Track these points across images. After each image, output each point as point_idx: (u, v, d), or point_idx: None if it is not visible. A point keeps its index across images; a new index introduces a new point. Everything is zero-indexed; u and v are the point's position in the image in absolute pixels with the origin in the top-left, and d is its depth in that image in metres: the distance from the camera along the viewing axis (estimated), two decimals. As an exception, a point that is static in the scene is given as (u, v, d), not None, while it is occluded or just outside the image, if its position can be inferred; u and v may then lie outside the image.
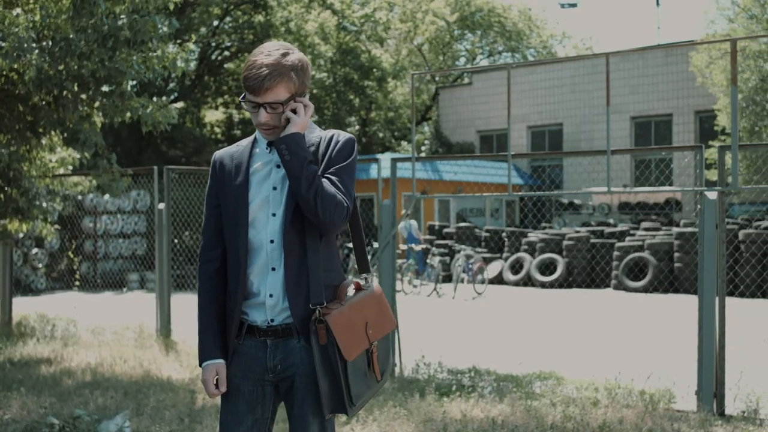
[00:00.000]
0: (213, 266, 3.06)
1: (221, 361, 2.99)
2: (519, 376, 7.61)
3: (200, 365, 3.01)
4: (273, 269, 2.94)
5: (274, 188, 2.97)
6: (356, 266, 3.07)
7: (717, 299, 6.61)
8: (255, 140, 3.09)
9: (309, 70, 3.00)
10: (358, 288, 3.08)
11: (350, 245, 15.95)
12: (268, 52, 2.90)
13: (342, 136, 3.01)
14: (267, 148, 3.02)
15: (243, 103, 2.98)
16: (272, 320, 2.96)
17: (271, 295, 2.94)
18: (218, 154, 3.13)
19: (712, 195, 6.70)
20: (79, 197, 18.79)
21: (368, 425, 5.91)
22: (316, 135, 3.02)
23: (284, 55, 2.91)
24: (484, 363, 8.18)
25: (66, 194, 13.25)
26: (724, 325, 6.63)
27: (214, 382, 2.98)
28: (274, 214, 2.95)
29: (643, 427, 5.82)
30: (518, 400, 6.66)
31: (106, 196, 19.70)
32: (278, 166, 2.98)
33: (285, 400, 3.03)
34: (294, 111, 2.95)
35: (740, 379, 6.72)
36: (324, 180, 2.88)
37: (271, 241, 2.94)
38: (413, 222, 21.12)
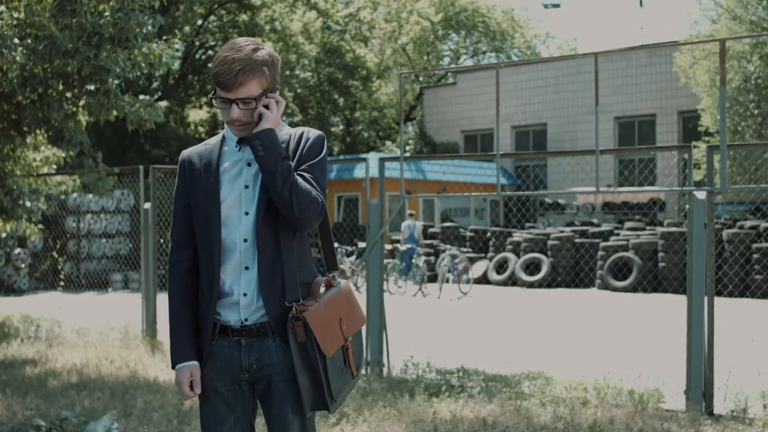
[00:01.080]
0: (183, 267, 3.02)
1: (195, 362, 2.95)
2: (507, 376, 7.60)
3: (173, 368, 2.97)
4: (246, 268, 2.91)
5: (246, 186, 2.93)
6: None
7: (706, 299, 6.62)
8: (223, 138, 3.04)
9: (279, 65, 2.98)
10: (329, 285, 3.06)
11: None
12: (238, 48, 2.86)
13: (312, 132, 2.99)
14: (236, 146, 2.98)
15: (213, 100, 2.94)
16: (246, 320, 2.93)
17: (245, 294, 2.91)
18: (186, 153, 3.08)
19: (700, 195, 6.71)
20: (63, 197, 18.68)
21: (358, 426, 5.88)
22: (286, 132, 3.00)
23: (255, 50, 2.87)
24: (471, 363, 8.16)
25: (49, 194, 13.15)
26: (713, 324, 6.64)
27: (189, 384, 2.94)
28: (246, 213, 2.91)
29: (633, 427, 5.81)
30: (508, 401, 6.65)
31: (90, 196, 19.60)
32: (249, 164, 2.95)
33: (262, 401, 3.00)
34: (266, 107, 2.92)
35: (729, 379, 6.73)
36: (297, 176, 2.85)
37: (245, 240, 2.91)
38: (418, 223, 21.12)
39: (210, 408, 2.99)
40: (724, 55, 6.58)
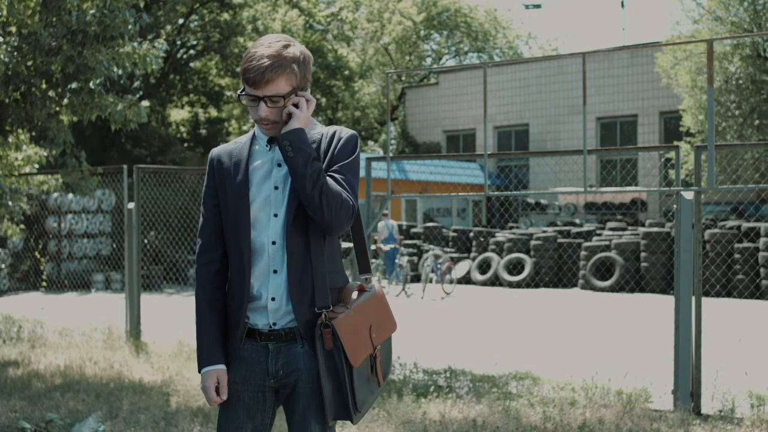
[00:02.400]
0: (213, 267, 2.94)
1: (222, 366, 2.88)
2: (495, 376, 7.59)
3: (199, 371, 2.90)
4: (275, 272, 2.84)
5: (276, 188, 2.85)
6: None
7: (693, 298, 6.63)
8: (254, 137, 2.97)
9: (311, 64, 2.90)
10: (361, 290, 2.98)
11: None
12: (269, 44, 2.79)
13: (345, 132, 2.90)
14: (267, 146, 2.91)
15: (241, 98, 2.85)
16: (274, 324, 2.85)
17: (273, 299, 2.84)
18: (215, 151, 3.00)
19: (688, 195, 6.72)
20: (44, 196, 18.52)
21: (347, 427, 5.85)
22: (318, 131, 2.91)
23: (285, 46, 2.79)
24: (457, 363, 8.14)
25: (30, 193, 13.02)
26: (700, 324, 6.65)
27: (215, 389, 2.87)
28: (275, 215, 2.84)
29: (623, 428, 5.81)
30: (496, 401, 6.63)
31: (70, 196, 19.46)
32: (279, 165, 2.87)
33: (285, 406, 2.93)
34: (296, 105, 2.83)
35: (716, 378, 6.75)
36: (328, 178, 2.78)
37: (273, 243, 2.84)
38: (395, 223, 21.07)
39: (230, 413, 2.92)
40: (712, 56, 6.58)
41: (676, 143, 24.42)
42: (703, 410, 6.50)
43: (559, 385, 7.10)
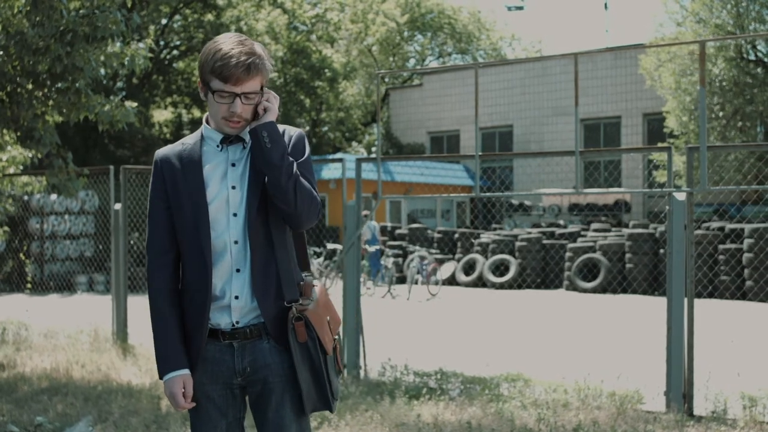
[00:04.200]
0: (168, 271, 2.91)
1: (187, 371, 2.85)
2: (486, 378, 7.56)
3: (161, 377, 2.86)
4: (238, 270, 2.85)
5: (233, 187, 2.86)
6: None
7: (686, 300, 6.63)
8: (202, 138, 2.94)
9: None
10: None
11: None
12: (239, 42, 2.79)
13: (293, 131, 2.95)
14: (218, 146, 2.90)
15: (212, 95, 2.79)
16: (237, 322, 2.86)
17: (236, 297, 2.84)
18: (162, 153, 2.96)
19: (680, 196, 6.72)
20: (26, 197, 18.34)
21: (341, 429, 5.81)
22: None
23: (253, 45, 2.83)
24: (446, 364, 8.10)
25: (11, 194, 12.89)
26: (692, 325, 6.65)
27: (183, 394, 2.85)
28: (235, 214, 2.85)
29: (618, 430, 5.80)
30: (488, 403, 6.61)
31: (53, 197, 19.29)
32: (234, 165, 2.87)
33: (255, 406, 2.93)
34: (266, 101, 2.87)
35: (708, 380, 6.75)
36: None
37: (236, 242, 2.84)
38: (377, 224, 21.02)
39: (201, 414, 2.92)
40: (704, 57, 6.59)
41: (660, 144, 24.53)
42: (696, 411, 6.50)
43: (551, 387, 7.08)
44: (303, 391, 2.81)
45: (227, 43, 2.79)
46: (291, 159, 2.80)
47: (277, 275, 2.84)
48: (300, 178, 2.78)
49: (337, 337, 2.99)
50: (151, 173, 2.96)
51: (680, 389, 6.54)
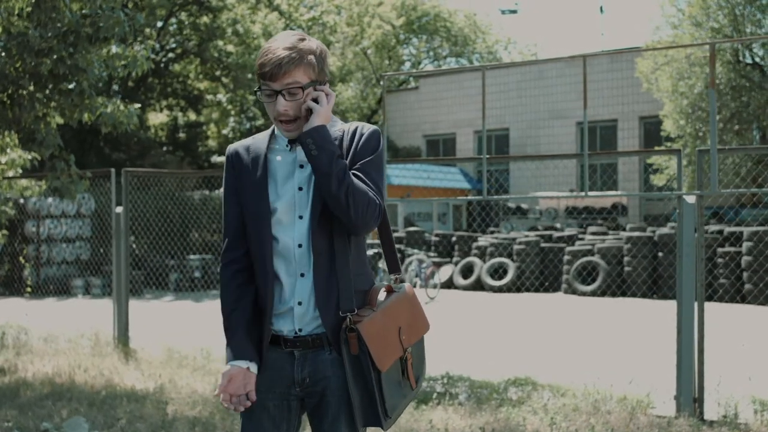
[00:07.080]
0: (236, 267, 2.82)
1: (246, 364, 2.72)
2: (493, 382, 7.50)
3: (228, 362, 2.73)
4: (302, 275, 2.74)
5: (300, 189, 2.75)
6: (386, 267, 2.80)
7: (696, 304, 6.58)
8: (272, 134, 2.87)
9: (328, 58, 2.81)
10: (389, 291, 2.87)
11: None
12: (283, 38, 2.72)
13: (366, 128, 2.80)
14: (287, 146, 2.81)
15: (259, 97, 2.75)
16: (300, 330, 2.75)
17: (299, 303, 2.74)
18: (233, 147, 2.89)
19: (690, 199, 6.67)
20: (22, 200, 18.21)
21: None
22: (338, 128, 2.80)
23: (301, 40, 2.72)
24: (451, 368, 8.05)
25: (7, 197, 12.79)
26: (703, 329, 6.61)
27: (246, 392, 2.72)
28: (301, 217, 2.74)
29: (631, 434, 5.75)
30: (498, 408, 6.55)
31: (50, 200, 19.17)
32: (302, 166, 2.77)
33: (312, 416, 2.82)
34: (315, 100, 2.73)
35: (719, 384, 6.70)
36: (352, 176, 2.68)
37: (299, 246, 2.73)
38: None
39: (254, 424, 2.80)
40: (714, 59, 6.56)
41: (656, 148, 24.52)
42: (707, 416, 6.45)
43: (560, 391, 7.02)
44: (354, 405, 2.68)
45: (271, 41, 2.74)
46: (343, 164, 2.66)
47: (337, 283, 2.72)
48: (354, 184, 2.63)
49: (408, 348, 2.84)
50: (224, 168, 2.89)
51: (691, 393, 6.49)
